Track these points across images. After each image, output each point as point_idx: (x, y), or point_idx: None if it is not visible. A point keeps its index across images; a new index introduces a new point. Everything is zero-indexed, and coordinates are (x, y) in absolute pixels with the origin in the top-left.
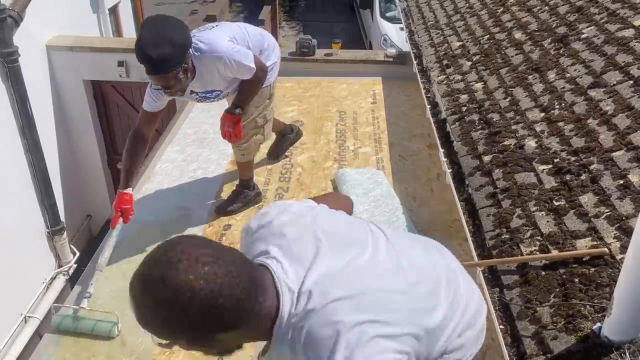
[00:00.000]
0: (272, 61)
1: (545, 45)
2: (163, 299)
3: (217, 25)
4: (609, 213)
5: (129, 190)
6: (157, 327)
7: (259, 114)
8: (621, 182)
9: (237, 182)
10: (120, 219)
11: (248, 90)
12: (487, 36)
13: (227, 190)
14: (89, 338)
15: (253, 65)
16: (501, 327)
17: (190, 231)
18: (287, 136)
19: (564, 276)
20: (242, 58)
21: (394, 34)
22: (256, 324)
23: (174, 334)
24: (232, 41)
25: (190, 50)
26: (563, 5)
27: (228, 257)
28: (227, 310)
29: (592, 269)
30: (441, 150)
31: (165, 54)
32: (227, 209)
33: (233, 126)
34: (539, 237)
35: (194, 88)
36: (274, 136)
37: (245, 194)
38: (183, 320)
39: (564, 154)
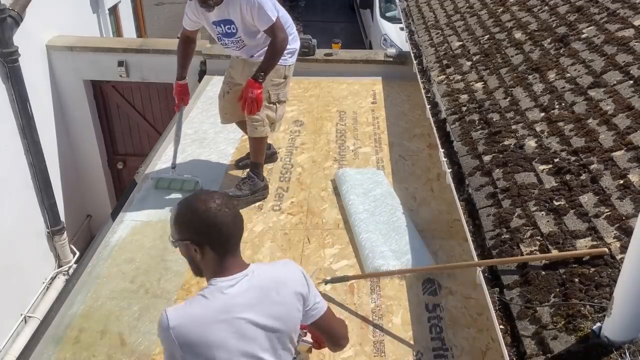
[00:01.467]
0: (293, 46)
1: (545, 45)
2: (197, 208)
3: None
4: (609, 213)
5: (184, 81)
6: (177, 223)
7: (273, 89)
8: (621, 182)
9: (236, 182)
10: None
11: (271, 52)
12: (487, 36)
13: (227, 190)
14: (89, 337)
15: (273, 17)
16: (501, 327)
17: None
18: None
19: (564, 276)
20: (266, 6)
21: (394, 34)
22: (214, 264)
23: (183, 231)
24: None
25: None
26: (563, 5)
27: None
28: (220, 232)
29: (592, 269)
30: (441, 150)
31: None
32: (234, 192)
33: (254, 92)
34: (539, 237)
35: (216, 17)
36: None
37: (254, 182)
38: (195, 223)
39: (564, 154)
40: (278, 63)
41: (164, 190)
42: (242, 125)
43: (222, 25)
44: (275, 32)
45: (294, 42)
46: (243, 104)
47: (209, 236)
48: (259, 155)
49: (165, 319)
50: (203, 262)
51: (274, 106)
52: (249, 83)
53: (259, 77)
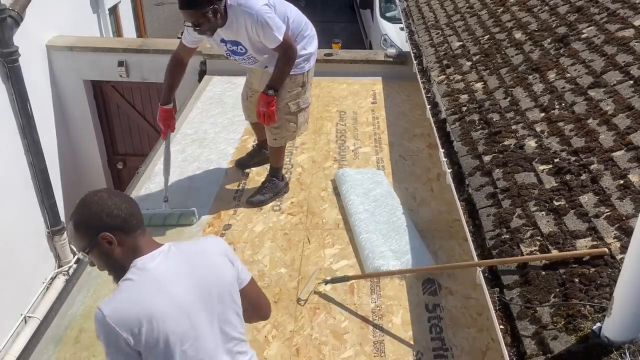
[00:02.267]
0: (309, 51)
1: (545, 45)
2: (91, 204)
3: None
4: (609, 213)
5: (169, 106)
6: (81, 229)
7: (292, 100)
8: (621, 182)
9: (237, 183)
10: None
11: (279, 70)
12: (487, 36)
13: (227, 190)
14: (89, 337)
15: (280, 37)
16: (501, 327)
17: (190, 230)
18: (264, 150)
19: (564, 276)
20: (272, 24)
21: (394, 34)
22: (130, 247)
23: (90, 231)
24: (268, 6)
25: None
26: (563, 5)
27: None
28: (121, 209)
29: (592, 269)
30: (441, 150)
31: None
32: (258, 199)
33: (266, 107)
34: (539, 237)
35: (223, 36)
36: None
37: (275, 184)
38: (97, 216)
39: (564, 154)
40: (294, 72)
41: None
42: (256, 127)
43: (230, 43)
44: (283, 50)
45: (310, 45)
46: (258, 117)
47: (114, 218)
48: (278, 161)
49: (100, 312)
50: (120, 251)
51: (295, 117)
52: (260, 97)
53: (268, 93)
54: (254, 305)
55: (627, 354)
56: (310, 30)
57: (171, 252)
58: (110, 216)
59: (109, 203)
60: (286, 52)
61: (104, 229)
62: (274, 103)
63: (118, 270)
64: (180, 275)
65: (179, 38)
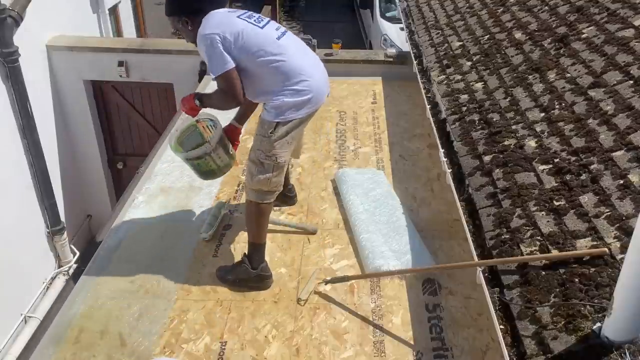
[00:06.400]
0: (298, 97)
1: (545, 45)
2: None
3: (233, 12)
4: (609, 213)
5: (236, 124)
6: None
7: (257, 146)
8: (621, 182)
9: (237, 184)
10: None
11: (213, 93)
12: (487, 36)
13: (226, 191)
14: (89, 337)
15: (212, 73)
16: (501, 327)
17: (190, 230)
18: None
19: (564, 276)
20: (212, 56)
21: (394, 34)
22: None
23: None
24: (212, 37)
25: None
26: (563, 5)
27: None
28: None
29: (592, 269)
30: (441, 150)
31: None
32: (221, 275)
33: (182, 105)
34: (539, 237)
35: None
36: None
37: (244, 270)
38: None
39: (564, 154)
40: (265, 117)
41: (166, 190)
42: None
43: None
44: (218, 84)
45: (295, 95)
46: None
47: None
48: (253, 233)
49: None
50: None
51: (270, 167)
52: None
53: (195, 99)
54: None
55: (627, 354)
56: (304, 85)
57: None
58: None
59: None
60: (220, 87)
61: None
62: (187, 103)
63: None
64: None
65: (178, 37)
